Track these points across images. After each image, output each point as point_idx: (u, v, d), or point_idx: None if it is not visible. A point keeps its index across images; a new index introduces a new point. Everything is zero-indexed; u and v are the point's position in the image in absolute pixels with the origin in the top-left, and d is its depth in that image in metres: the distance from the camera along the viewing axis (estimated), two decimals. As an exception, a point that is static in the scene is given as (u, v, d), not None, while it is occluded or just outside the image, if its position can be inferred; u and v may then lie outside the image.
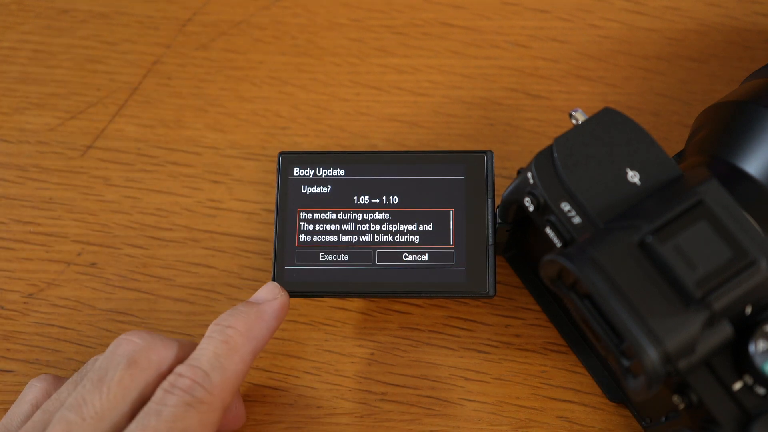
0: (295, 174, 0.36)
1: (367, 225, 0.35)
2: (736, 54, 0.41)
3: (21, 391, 0.32)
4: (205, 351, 0.30)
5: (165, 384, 0.29)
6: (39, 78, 0.42)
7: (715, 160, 0.31)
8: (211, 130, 0.41)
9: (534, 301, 0.37)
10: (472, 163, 0.35)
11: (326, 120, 0.41)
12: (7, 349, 0.37)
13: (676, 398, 0.28)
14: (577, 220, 0.29)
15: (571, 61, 0.41)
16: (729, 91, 0.35)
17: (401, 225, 0.35)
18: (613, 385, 0.35)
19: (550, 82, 0.41)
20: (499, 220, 0.33)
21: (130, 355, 0.30)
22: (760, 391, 0.27)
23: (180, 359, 0.31)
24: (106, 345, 0.33)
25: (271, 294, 0.33)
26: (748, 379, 0.27)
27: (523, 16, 0.42)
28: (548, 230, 0.30)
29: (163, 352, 0.31)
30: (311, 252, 0.34)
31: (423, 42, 0.42)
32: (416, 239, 0.34)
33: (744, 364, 0.27)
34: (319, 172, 0.35)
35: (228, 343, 0.31)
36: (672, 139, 0.39)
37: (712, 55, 0.41)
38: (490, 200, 0.34)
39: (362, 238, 0.34)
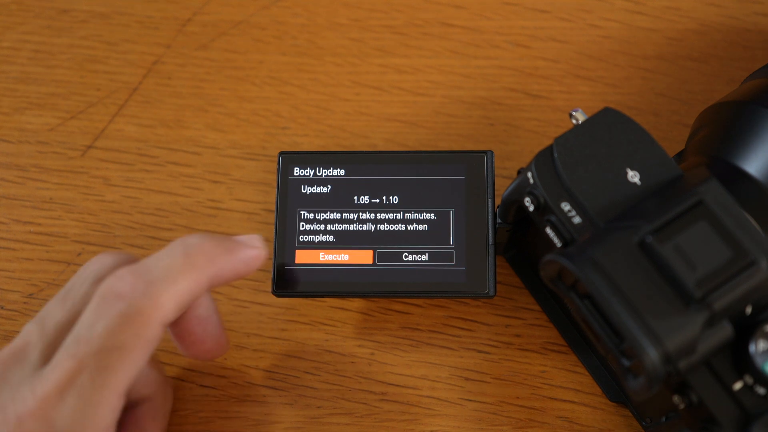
0: (295, 174, 0.36)
1: (367, 225, 0.35)
2: (736, 54, 0.41)
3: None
4: (159, 260, 0.28)
5: (102, 289, 0.27)
6: (39, 78, 0.42)
7: (715, 160, 0.31)
8: (211, 130, 0.41)
9: (534, 301, 0.37)
10: (472, 163, 0.35)
11: (326, 120, 0.41)
12: (7, 349, 0.37)
13: (676, 398, 0.28)
14: (577, 220, 0.29)
15: (571, 61, 0.41)
16: (729, 91, 0.35)
17: (401, 225, 0.35)
18: (613, 385, 0.35)
19: (550, 82, 0.41)
20: (499, 220, 0.33)
21: (96, 274, 0.29)
22: (760, 391, 0.27)
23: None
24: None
25: (251, 241, 0.31)
26: (748, 379, 0.27)
27: (523, 16, 0.42)
28: (548, 230, 0.30)
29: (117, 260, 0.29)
30: (311, 252, 0.34)
31: (423, 42, 0.42)
32: (416, 239, 0.34)
33: (744, 364, 0.27)
34: (319, 172, 0.35)
35: (186, 258, 0.28)
36: (672, 139, 0.39)
37: (712, 55, 0.41)
38: (490, 200, 0.34)
39: (362, 238, 0.34)
